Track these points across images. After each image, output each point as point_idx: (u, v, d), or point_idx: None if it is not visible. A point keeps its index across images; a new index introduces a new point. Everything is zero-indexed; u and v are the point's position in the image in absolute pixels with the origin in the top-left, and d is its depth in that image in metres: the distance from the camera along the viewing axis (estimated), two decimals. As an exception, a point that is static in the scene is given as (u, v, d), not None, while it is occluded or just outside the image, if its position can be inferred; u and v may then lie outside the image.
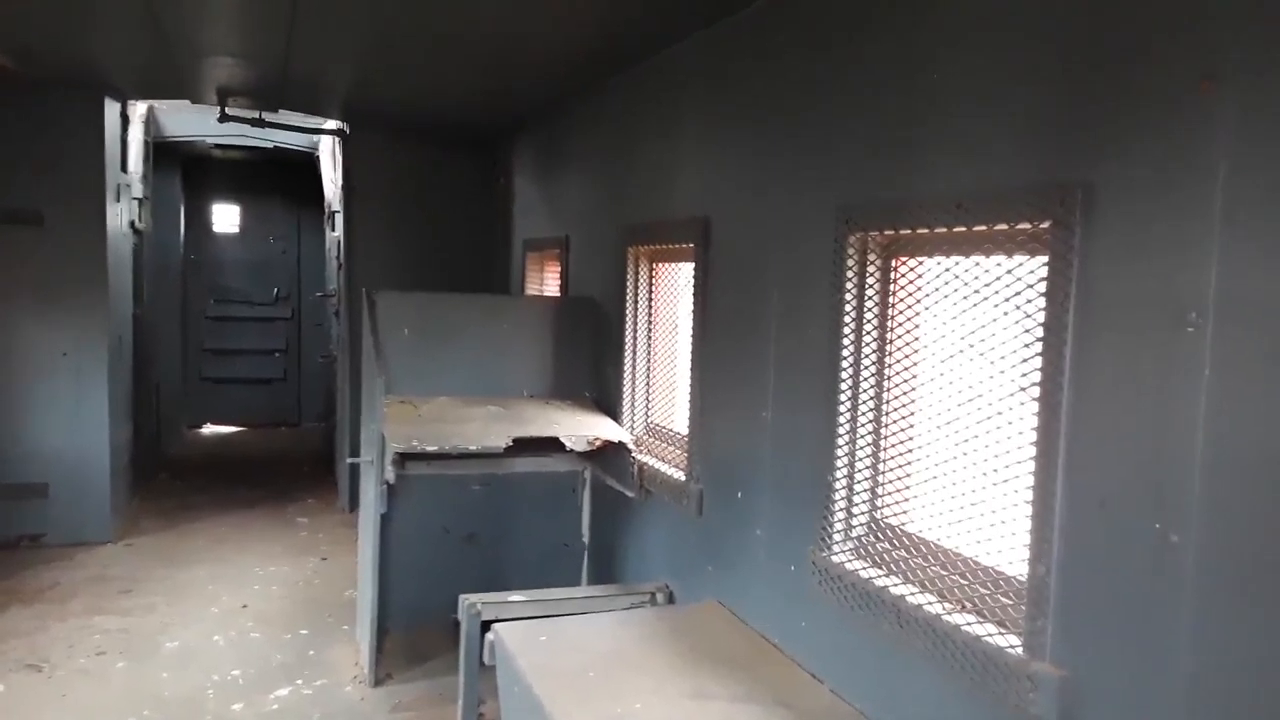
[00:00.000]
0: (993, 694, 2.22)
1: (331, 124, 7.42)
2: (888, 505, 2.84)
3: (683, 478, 3.93)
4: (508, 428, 4.19)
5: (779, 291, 3.26)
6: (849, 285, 2.85)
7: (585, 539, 4.85)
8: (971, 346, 2.48)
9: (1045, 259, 2.15)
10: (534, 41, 4.41)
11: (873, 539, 2.85)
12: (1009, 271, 2.31)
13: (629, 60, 4.49)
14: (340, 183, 7.63)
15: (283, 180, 10.65)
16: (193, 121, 8.00)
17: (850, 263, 2.85)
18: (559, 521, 4.83)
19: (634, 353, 4.51)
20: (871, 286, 2.84)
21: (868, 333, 2.84)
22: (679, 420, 4.18)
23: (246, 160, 10.11)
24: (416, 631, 4.67)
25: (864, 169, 2.84)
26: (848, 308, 2.86)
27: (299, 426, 11.10)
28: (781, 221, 3.26)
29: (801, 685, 2.96)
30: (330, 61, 5.28)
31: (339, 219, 7.84)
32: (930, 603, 2.50)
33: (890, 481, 2.83)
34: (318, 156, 8.91)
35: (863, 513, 2.89)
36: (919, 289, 2.75)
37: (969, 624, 2.34)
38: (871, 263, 2.84)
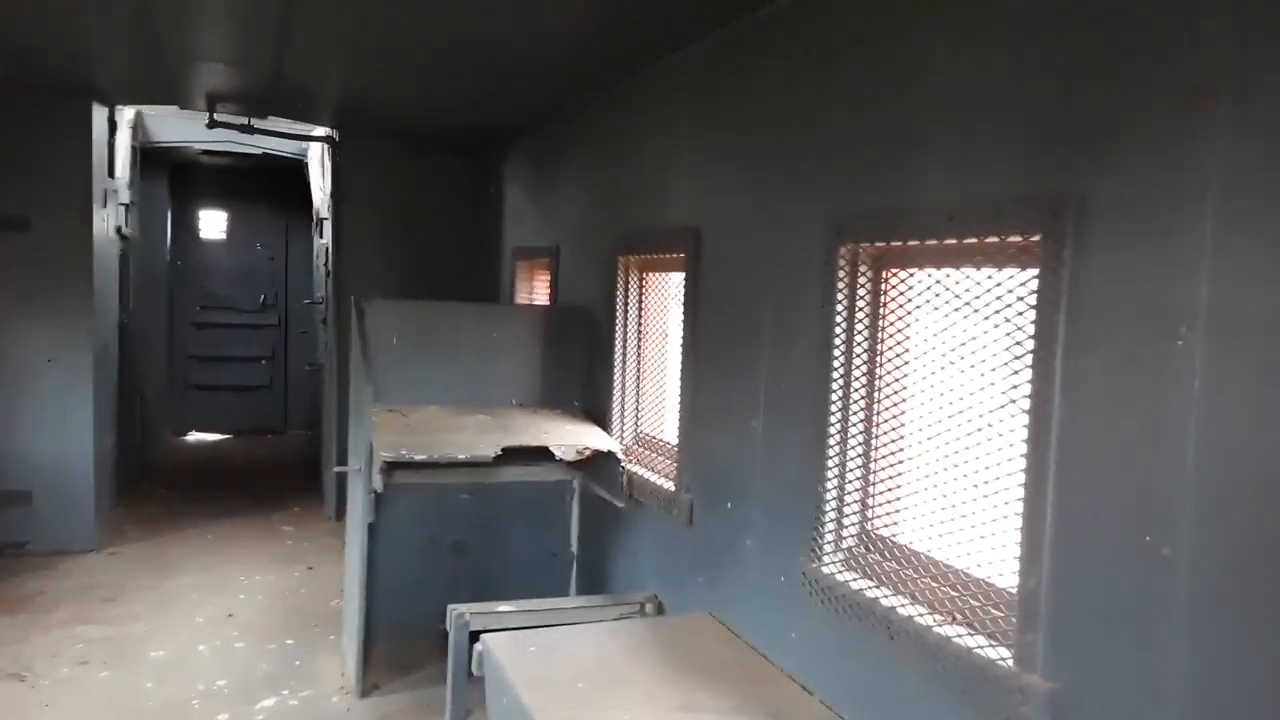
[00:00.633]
0: (983, 706, 2.22)
1: (320, 131, 7.40)
2: (878, 516, 2.84)
3: (672, 488, 3.92)
4: (497, 437, 4.18)
5: (770, 302, 3.27)
6: (840, 296, 2.86)
7: (574, 549, 4.82)
8: (962, 358, 2.48)
9: (1036, 271, 2.15)
10: (525, 52, 4.41)
11: (863, 550, 2.85)
12: (1000, 284, 2.31)
13: (621, 70, 4.50)
14: (329, 190, 7.60)
15: (271, 187, 10.61)
16: (181, 127, 7.95)
17: (841, 274, 2.85)
18: (548, 531, 4.81)
19: (624, 362, 4.51)
20: (862, 298, 2.85)
21: (858, 344, 2.84)
22: (669, 430, 4.17)
23: (234, 166, 10.06)
24: (403, 641, 4.62)
25: (856, 180, 2.85)
26: (838, 319, 2.86)
27: (285, 434, 11.06)
28: (773, 232, 3.27)
29: (792, 697, 2.96)
30: (321, 68, 5.27)
31: (327, 226, 7.81)
32: (921, 614, 2.50)
33: (881, 493, 2.83)
34: (306, 163, 8.88)
35: (853, 524, 2.89)
36: (910, 300, 2.76)
37: (960, 636, 2.34)
38: (862, 274, 2.85)
